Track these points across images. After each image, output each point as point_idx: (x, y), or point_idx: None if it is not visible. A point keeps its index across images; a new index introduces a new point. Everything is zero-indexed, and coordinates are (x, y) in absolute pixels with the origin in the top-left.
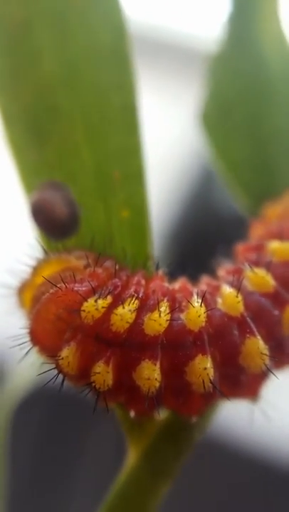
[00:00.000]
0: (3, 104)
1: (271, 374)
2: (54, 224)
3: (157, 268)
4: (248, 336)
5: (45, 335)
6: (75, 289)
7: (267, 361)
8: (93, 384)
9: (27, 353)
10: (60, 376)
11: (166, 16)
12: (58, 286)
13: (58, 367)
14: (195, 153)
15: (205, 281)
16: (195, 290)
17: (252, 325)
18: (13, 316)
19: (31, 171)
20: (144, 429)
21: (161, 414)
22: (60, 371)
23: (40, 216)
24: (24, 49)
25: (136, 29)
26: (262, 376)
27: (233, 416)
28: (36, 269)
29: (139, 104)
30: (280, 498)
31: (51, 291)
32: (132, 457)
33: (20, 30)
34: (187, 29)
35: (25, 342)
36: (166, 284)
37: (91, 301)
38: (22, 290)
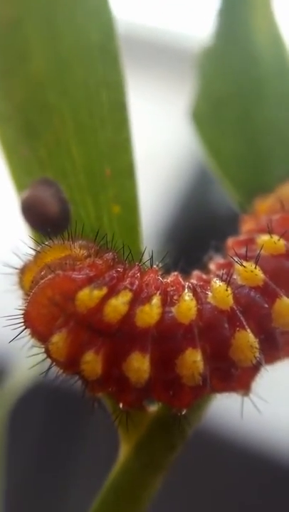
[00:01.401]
0: None
1: (262, 367)
2: (45, 220)
3: (151, 262)
4: (237, 329)
5: (39, 319)
6: (73, 276)
7: (257, 354)
8: (82, 373)
9: (19, 334)
10: (53, 369)
11: (156, 15)
12: (57, 272)
13: (47, 352)
14: (189, 151)
15: (196, 276)
16: (186, 284)
17: (242, 318)
18: (12, 296)
19: (22, 169)
20: (136, 422)
21: (153, 407)
22: (48, 356)
23: (31, 213)
24: (14, 47)
25: (126, 29)
26: (252, 369)
27: (227, 408)
28: (39, 254)
29: (128, 102)
30: (275, 489)
31: (49, 276)
32: (124, 450)
33: (9, 28)
34: (177, 28)
35: (20, 323)
36: (159, 278)
37: (86, 290)
38: (23, 272)
